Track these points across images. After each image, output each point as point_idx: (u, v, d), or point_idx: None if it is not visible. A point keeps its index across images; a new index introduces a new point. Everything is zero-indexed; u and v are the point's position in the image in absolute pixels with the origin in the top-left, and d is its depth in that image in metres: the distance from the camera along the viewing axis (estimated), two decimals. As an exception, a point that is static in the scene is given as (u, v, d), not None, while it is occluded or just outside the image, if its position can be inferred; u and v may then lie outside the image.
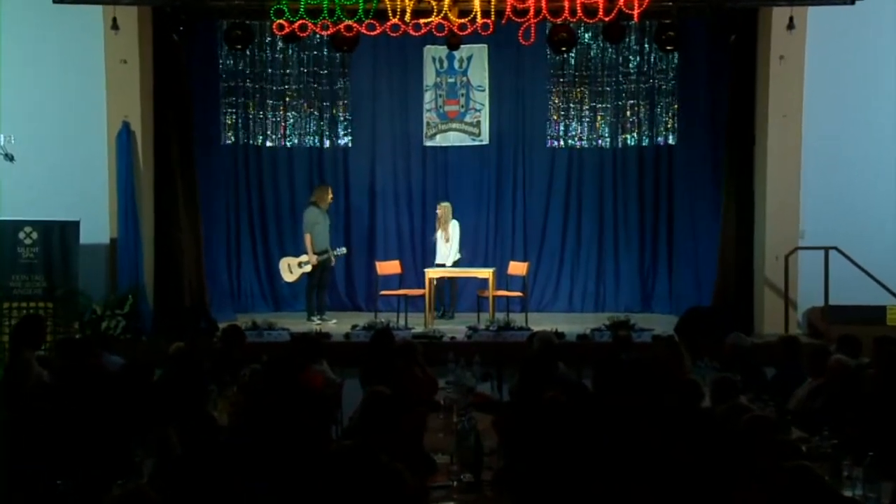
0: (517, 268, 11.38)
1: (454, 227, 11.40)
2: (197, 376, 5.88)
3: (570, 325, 10.45)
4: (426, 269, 11.09)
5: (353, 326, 10.06)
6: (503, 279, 11.46)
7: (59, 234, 9.81)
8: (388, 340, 7.25)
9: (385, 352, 6.86)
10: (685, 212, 11.80)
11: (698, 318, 9.93)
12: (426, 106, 12.30)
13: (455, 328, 10.34)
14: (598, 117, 12.20)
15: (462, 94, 12.29)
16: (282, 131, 12.29)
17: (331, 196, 11.21)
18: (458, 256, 11.41)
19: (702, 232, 11.51)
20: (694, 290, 11.52)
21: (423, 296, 10.99)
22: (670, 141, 12.02)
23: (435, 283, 11.05)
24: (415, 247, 12.43)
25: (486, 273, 11.00)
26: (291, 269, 11.24)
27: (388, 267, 11.60)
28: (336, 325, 10.77)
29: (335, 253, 11.12)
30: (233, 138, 12.16)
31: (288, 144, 12.34)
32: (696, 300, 11.12)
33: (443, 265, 11.28)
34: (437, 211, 11.43)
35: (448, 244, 11.35)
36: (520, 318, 10.56)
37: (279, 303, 12.34)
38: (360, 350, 7.95)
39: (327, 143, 12.38)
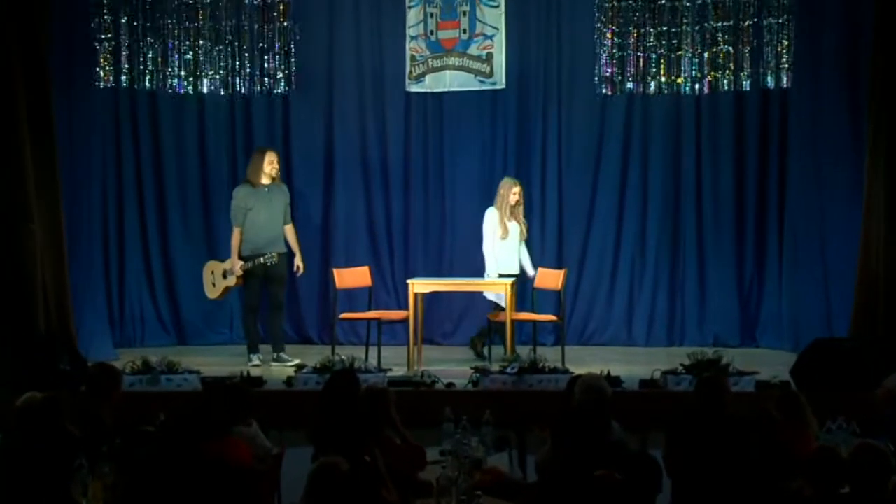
0: (548, 278, 11.37)
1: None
2: (58, 444, 5.88)
3: (630, 365, 10.51)
4: (410, 280, 11.10)
5: (299, 368, 10.09)
6: (527, 295, 11.49)
7: None
8: (351, 388, 7.26)
9: (346, 406, 6.88)
10: (807, 193, 11.77)
11: (828, 355, 9.90)
12: (410, 32, 12.34)
13: (454, 371, 10.34)
14: (673, 48, 12.20)
15: (464, 13, 12.28)
16: (189, 70, 12.29)
17: (270, 167, 10.96)
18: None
19: (832, 225, 11.51)
20: (820, 313, 11.52)
21: (404, 320, 11.02)
22: (784, 84, 12.03)
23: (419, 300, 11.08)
24: (392, 247, 12.50)
25: (500, 286, 11.00)
26: (215, 279, 11.16)
27: (352, 277, 11.58)
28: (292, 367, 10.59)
29: (264, 259, 10.82)
30: (113, 80, 12.15)
31: (199, 90, 12.38)
32: (823, 329, 11.15)
33: (513, 276, 11.13)
34: (512, 194, 11.24)
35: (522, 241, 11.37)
36: (552, 355, 10.52)
37: (185, 332, 12.43)
38: (308, 403, 7.95)
39: (258, 89, 12.42)
